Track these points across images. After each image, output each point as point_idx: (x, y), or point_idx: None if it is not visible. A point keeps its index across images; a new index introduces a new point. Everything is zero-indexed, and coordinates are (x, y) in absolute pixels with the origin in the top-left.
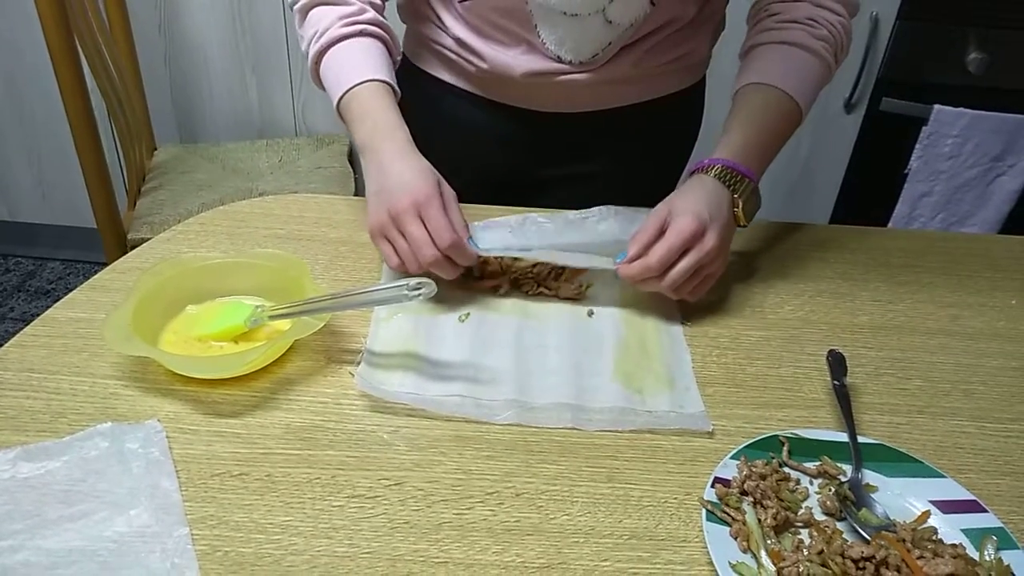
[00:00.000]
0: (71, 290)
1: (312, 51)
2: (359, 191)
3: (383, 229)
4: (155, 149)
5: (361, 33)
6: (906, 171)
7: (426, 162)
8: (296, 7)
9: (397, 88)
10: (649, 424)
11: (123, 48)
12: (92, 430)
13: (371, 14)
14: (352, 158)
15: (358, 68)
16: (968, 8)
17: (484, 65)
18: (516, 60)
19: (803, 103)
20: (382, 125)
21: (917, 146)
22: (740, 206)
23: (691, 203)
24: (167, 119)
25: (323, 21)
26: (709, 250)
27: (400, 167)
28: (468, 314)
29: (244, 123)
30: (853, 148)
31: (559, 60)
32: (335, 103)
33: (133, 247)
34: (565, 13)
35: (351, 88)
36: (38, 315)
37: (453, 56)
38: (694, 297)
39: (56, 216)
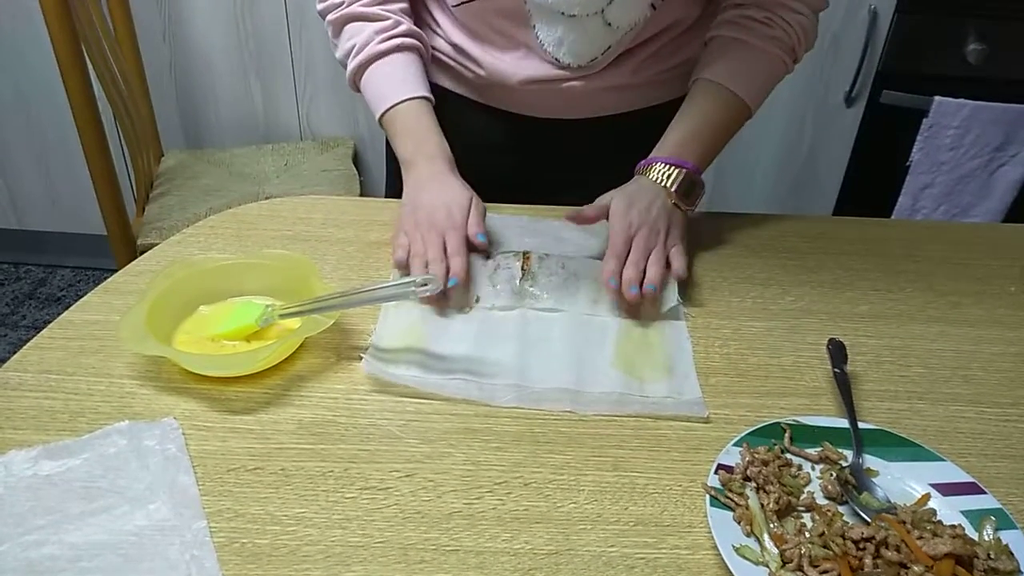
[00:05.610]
0: (81, 297)
1: (351, 65)
2: (364, 192)
3: (405, 229)
4: (162, 155)
5: (398, 48)
6: (908, 163)
7: (459, 184)
8: (329, 18)
9: (432, 96)
10: (646, 410)
11: (129, 56)
12: (110, 428)
13: (405, 26)
14: (356, 160)
15: (398, 86)
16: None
17: (481, 72)
18: (514, 66)
19: (750, 99)
20: (424, 145)
21: (918, 138)
22: (674, 197)
23: (622, 204)
24: (173, 125)
25: (360, 36)
26: (645, 236)
27: (436, 189)
28: (477, 299)
29: (249, 128)
30: (854, 141)
31: (557, 64)
32: (377, 116)
33: (142, 252)
34: (564, 13)
35: (393, 106)
36: (49, 322)
37: (451, 62)
38: (679, 271)
39: (65, 224)
